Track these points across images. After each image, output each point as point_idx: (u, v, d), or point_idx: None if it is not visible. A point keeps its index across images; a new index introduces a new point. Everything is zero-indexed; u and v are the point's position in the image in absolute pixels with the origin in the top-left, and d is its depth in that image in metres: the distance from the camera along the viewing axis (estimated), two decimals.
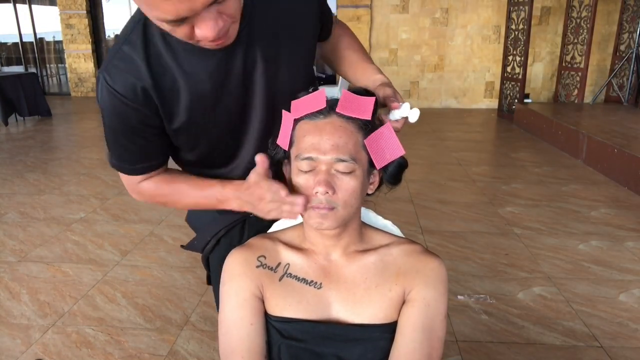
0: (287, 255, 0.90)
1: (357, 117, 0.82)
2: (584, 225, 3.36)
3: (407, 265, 0.87)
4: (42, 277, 2.61)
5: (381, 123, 0.85)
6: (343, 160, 0.79)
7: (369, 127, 0.83)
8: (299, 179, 0.82)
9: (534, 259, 2.84)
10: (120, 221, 3.39)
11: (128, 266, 2.73)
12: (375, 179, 0.88)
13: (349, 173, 0.80)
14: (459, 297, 2.44)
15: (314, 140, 0.80)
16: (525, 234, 3.19)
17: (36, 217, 3.48)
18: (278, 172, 0.90)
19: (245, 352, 0.83)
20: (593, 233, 3.22)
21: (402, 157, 0.85)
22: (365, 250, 0.90)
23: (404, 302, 0.85)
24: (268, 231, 1.04)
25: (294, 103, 0.85)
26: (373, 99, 0.83)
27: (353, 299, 0.86)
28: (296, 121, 0.85)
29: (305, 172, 0.81)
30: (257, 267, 0.89)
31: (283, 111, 0.86)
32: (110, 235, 3.15)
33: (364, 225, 0.94)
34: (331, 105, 0.83)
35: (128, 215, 3.48)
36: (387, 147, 0.82)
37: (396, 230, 1.03)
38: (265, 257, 0.90)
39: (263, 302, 0.88)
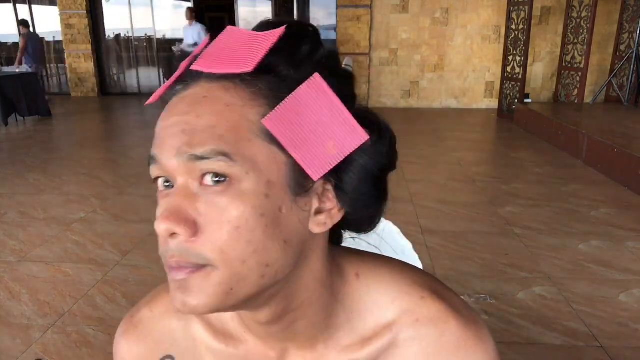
0: (211, 355, 0.52)
1: (226, 72, 0.41)
2: (584, 225, 3.36)
3: None
4: (42, 277, 2.61)
5: None
6: (202, 158, 0.39)
7: (273, 92, 0.41)
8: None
9: (534, 259, 2.84)
10: (120, 221, 3.38)
11: (128, 266, 2.73)
12: (332, 202, 0.44)
13: (227, 186, 0.39)
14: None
15: (158, 129, 0.42)
16: (525, 234, 3.19)
17: (36, 217, 3.48)
18: None
19: None
20: (593, 233, 3.22)
21: (367, 151, 0.43)
22: (348, 346, 0.50)
23: None
24: None
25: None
26: (280, 30, 0.41)
27: None
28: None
29: (162, 194, 0.42)
30: None
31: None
32: (111, 235, 3.15)
33: (342, 286, 0.50)
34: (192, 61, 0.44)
35: (128, 215, 3.48)
36: (323, 130, 0.41)
37: (396, 231, 1.00)
38: (173, 358, 0.54)
39: None
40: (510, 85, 7.31)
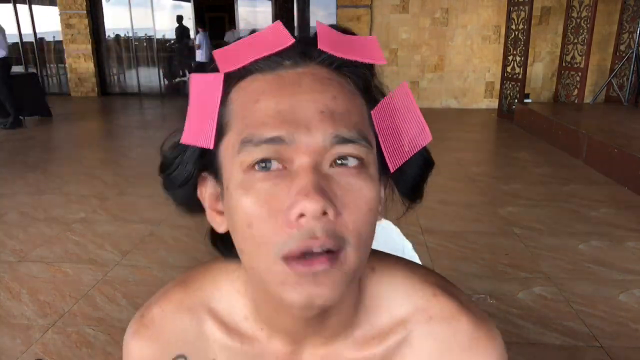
0: (224, 353, 0.51)
1: (361, 60, 0.44)
2: (584, 225, 3.36)
3: None
4: (43, 277, 2.61)
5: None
6: (349, 141, 0.39)
7: (370, 92, 0.46)
8: (249, 199, 0.39)
9: (534, 259, 2.84)
10: (120, 221, 3.38)
11: (128, 266, 2.73)
12: (385, 195, 0.49)
13: (359, 165, 0.40)
14: None
15: (282, 105, 0.40)
16: (525, 234, 3.19)
17: (36, 217, 3.48)
18: (185, 199, 0.51)
19: None
20: (593, 233, 3.22)
21: (425, 149, 0.48)
22: (364, 341, 0.49)
23: None
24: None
25: (219, 52, 0.43)
26: (375, 37, 0.47)
27: None
28: (230, 80, 0.43)
29: (264, 176, 0.39)
30: None
31: (195, 76, 0.43)
32: (111, 235, 3.15)
33: (362, 280, 0.51)
34: (305, 42, 0.43)
35: (128, 215, 3.48)
36: (404, 128, 0.45)
37: (396, 231, 1.01)
38: (185, 358, 0.52)
39: None
40: (510, 85, 7.31)
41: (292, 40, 0.41)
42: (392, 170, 0.44)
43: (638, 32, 6.56)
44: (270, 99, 0.40)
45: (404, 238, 1.03)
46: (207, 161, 0.45)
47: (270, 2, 8.20)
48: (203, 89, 0.42)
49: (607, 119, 5.85)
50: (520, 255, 2.90)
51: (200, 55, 8.80)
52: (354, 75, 0.44)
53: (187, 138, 0.43)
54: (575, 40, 6.95)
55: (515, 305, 2.37)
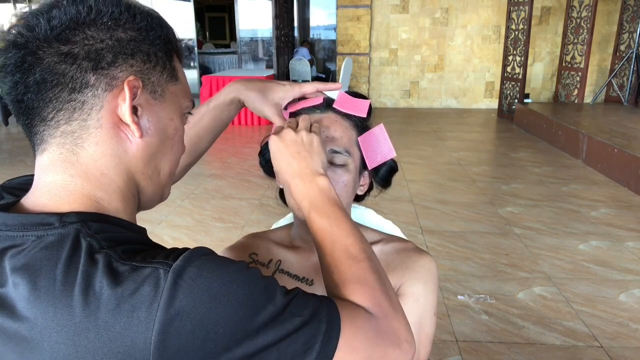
0: (278, 253, 0.90)
1: (353, 114, 0.83)
2: (584, 225, 3.36)
3: (397, 262, 0.86)
4: None
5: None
6: (337, 152, 0.80)
7: (362, 126, 0.85)
8: None
9: (534, 259, 2.84)
10: None
11: None
12: (366, 181, 0.89)
13: (343, 166, 0.80)
14: (459, 297, 2.43)
15: None
16: (525, 234, 3.19)
17: None
18: (269, 171, 0.89)
19: None
20: (593, 233, 3.22)
21: (393, 160, 0.86)
22: None
23: None
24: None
25: (291, 104, 0.84)
26: (369, 101, 0.84)
27: None
28: (292, 116, 0.83)
29: None
30: (250, 263, 0.87)
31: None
32: None
33: (355, 224, 0.92)
34: (328, 102, 0.84)
35: None
36: (379, 147, 0.83)
37: (396, 230, 1.03)
38: (257, 254, 0.90)
39: None
40: (510, 85, 7.31)
41: (321, 101, 0.82)
42: (369, 168, 0.85)
43: (638, 32, 6.56)
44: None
45: (404, 238, 1.04)
46: None
47: (270, 2, 8.19)
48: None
49: (607, 119, 5.85)
50: (520, 255, 2.90)
51: None
52: (350, 119, 0.85)
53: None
54: (575, 40, 6.95)
55: (515, 305, 2.37)
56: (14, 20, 0.51)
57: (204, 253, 0.48)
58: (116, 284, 0.44)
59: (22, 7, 0.52)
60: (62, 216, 0.49)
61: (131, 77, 0.52)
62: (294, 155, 0.68)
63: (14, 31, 0.50)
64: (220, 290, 0.45)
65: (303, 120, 0.73)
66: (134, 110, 0.52)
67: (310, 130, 0.71)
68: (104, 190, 0.53)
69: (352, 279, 0.57)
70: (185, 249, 0.49)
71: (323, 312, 0.51)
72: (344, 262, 0.60)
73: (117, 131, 0.52)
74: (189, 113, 0.62)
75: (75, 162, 0.52)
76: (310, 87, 0.83)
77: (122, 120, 0.52)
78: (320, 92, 0.84)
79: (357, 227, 0.65)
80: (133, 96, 0.52)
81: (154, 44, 0.55)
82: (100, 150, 0.52)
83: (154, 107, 0.55)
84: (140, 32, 0.54)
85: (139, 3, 0.55)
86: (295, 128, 0.71)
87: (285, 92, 0.82)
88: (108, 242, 0.48)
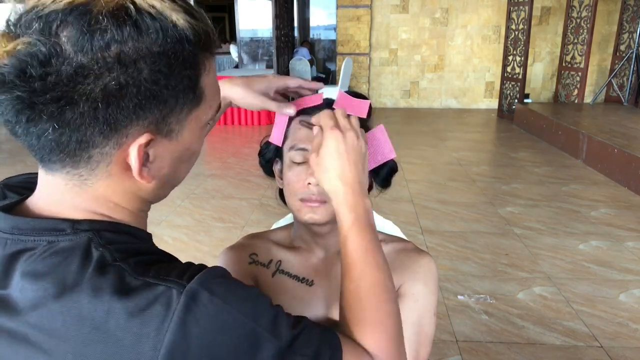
0: (279, 253, 0.90)
1: (353, 115, 0.82)
2: (584, 225, 3.36)
3: (397, 262, 0.86)
4: None
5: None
6: None
7: (363, 127, 0.83)
8: (290, 172, 0.81)
9: (534, 259, 2.84)
10: None
11: None
12: (369, 180, 0.89)
13: None
14: (459, 297, 2.43)
15: (309, 132, 0.79)
16: (525, 234, 3.19)
17: None
18: (269, 171, 0.90)
19: None
20: (593, 233, 3.22)
21: (392, 161, 0.85)
22: None
23: None
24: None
25: (290, 103, 0.85)
26: (369, 101, 0.83)
27: None
28: (291, 118, 0.84)
29: (298, 164, 0.80)
30: (250, 263, 0.90)
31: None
32: None
33: None
34: (327, 103, 0.83)
35: None
36: (379, 149, 0.82)
37: (396, 230, 1.03)
38: (257, 254, 0.91)
39: None
40: (510, 85, 7.31)
41: (321, 102, 0.83)
42: (369, 169, 0.79)
43: (638, 32, 6.56)
44: (305, 129, 0.81)
45: (404, 238, 1.04)
46: (277, 152, 0.87)
47: (270, 2, 8.19)
48: (280, 118, 0.84)
49: (607, 119, 5.85)
50: (520, 255, 2.90)
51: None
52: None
53: (271, 139, 0.85)
54: (575, 40, 6.95)
55: (515, 305, 2.37)
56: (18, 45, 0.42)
57: (218, 275, 0.48)
58: (128, 300, 0.43)
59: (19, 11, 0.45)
60: (74, 223, 0.48)
61: (142, 139, 0.47)
62: (351, 163, 0.65)
63: (6, 68, 0.42)
64: (229, 320, 0.45)
65: (357, 123, 0.70)
66: (145, 157, 0.49)
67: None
68: (115, 213, 0.52)
69: (371, 321, 0.56)
70: (200, 268, 0.48)
71: (326, 353, 0.50)
72: (368, 297, 0.58)
73: (129, 174, 0.49)
74: (212, 122, 0.58)
75: (84, 193, 0.50)
76: (293, 82, 0.83)
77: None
78: (303, 88, 0.84)
79: (387, 263, 0.63)
80: (144, 153, 0.48)
81: (175, 87, 0.48)
82: (111, 190, 0.50)
83: (169, 147, 0.51)
84: (158, 80, 0.46)
85: (159, 12, 0.46)
86: (350, 128, 0.67)
87: (269, 82, 0.81)
88: (121, 254, 0.47)
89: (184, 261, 0.52)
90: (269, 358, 0.46)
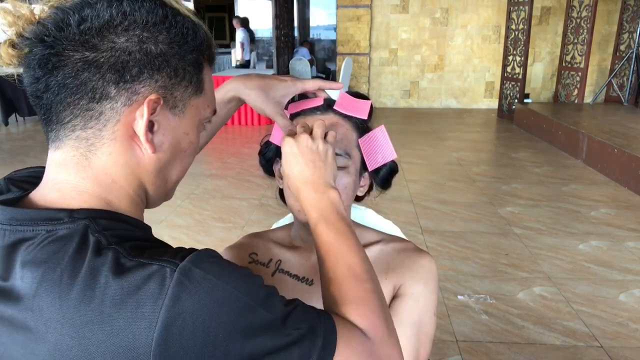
0: (278, 252, 0.90)
1: (353, 115, 0.82)
2: (584, 225, 3.36)
3: (397, 262, 0.86)
4: None
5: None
6: (338, 155, 0.78)
7: (363, 128, 0.84)
8: None
9: (534, 259, 2.84)
10: None
11: None
12: (366, 182, 0.89)
13: (343, 168, 0.80)
14: (459, 297, 2.43)
15: None
16: (525, 234, 3.19)
17: None
18: (269, 171, 0.90)
19: None
20: (593, 233, 3.22)
21: (393, 162, 0.85)
22: None
23: (393, 298, 0.83)
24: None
25: (291, 103, 0.84)
26: (370, 102, 0.83)
27: None
28: (292, 117, 0.83)
29: None
30: (250, 263, 0.90)
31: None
32: None
33: (355, 224, 0.93)
34: (329, 103, 0.83)
35: None
36: (380, 149, 0.82)
37: (396, 230, 1.03)
38: (256, 254, 0.91)
39: None
40: (510, 85, 7.31)
41: (322, 102, 0.83)
42: (369, 169, 0.85)
43: (638, 32, 6.56)
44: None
45: (404, 238, 1.04)
46: (278, 152, 0.85)
47: (270, 2, 8.19)
48: None
49: (607, 119, 5.85)
50: (520, 255, 2.90)
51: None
52: (350, 120, 0.84)
53: (272, 139, 0.86)
54: (575, 40, 6.95)
55: (515, 305, 2.37)
56: (45, 9, 0.50)
57: (211, 256, 0.49)
58: (122, 279, 0.44)
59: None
60: (71, 212, 0.50)
61: (153, 96, 0.51)
62: (307, 163, 0.68)
63: (41, 26, 0.49)
64: (223, 295, 0.46)
65: (319, 126, 0.71)
66: (151, 125, 0.52)
67: (325, 139, 0.71)
68: (113, 194, 0.53)
69: (353, 299, 0.57)
70: (192, 250, 0.49)
71: (321, 328, 0.51)
72: (346, 280, 0.59)
73: (131, 143, 0.53)
74: (208, 122, 0.61)
75: (87, 167, 0.52)
76: (312, 84, 0.82)
77: (137, 134, 0.52)
78: (322, 90, 0.83)
79: (362, 247, 0.64)
80: (152, 112, 0.51)
81: (185, 58, 0.54)
82: (113, 160, 0.52)
83: (172, 123, 0.55)
84: (172, 46, 0.52)
85: (177, 7, 0.54)
86: (311, 134, 0.70)
87: (286, 89, 0.80)
88: (116, 239, 0.48)
89: None
90: (264, 333, 0.47)
